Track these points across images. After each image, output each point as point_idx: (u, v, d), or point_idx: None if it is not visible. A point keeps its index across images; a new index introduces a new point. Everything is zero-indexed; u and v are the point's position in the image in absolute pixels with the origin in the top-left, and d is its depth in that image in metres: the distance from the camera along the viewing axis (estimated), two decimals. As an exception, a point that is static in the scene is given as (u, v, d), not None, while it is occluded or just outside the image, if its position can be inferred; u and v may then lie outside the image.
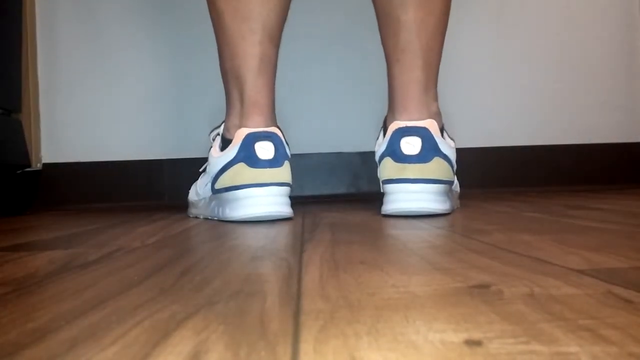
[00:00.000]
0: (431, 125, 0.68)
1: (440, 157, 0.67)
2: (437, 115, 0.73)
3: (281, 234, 0.55)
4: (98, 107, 1.20)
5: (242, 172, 0.67)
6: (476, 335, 0.20)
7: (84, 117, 1.20)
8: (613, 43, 1.25)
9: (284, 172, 0.68)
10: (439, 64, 0.75)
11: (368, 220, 0.67)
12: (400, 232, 0.53)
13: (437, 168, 0.67)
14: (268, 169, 0.67)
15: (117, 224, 0.73)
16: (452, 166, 0.70)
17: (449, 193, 0.71)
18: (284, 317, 0.24)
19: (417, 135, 0.67)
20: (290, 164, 0.71)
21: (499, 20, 1.23)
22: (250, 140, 0.67)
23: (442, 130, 0.73)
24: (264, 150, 0.67)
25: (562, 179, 1.22)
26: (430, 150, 0.66)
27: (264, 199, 0.67)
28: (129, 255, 0.43)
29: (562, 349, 0.18)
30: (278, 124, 0.75)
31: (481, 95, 1.23)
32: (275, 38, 0.74)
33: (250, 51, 0.72)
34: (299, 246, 0.45)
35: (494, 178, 1.22)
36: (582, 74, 1.24)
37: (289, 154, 0.71)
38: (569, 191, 1.16)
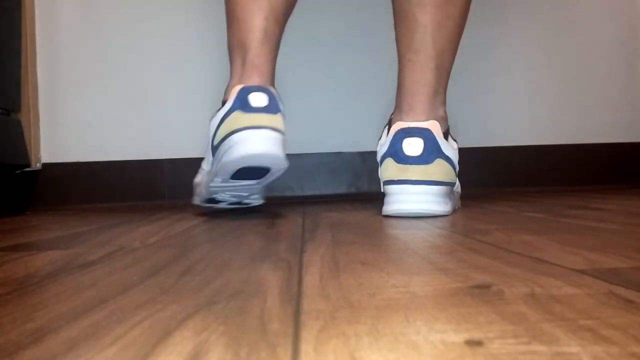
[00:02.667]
0: (433, 126, 0.67)
1: (442, 158, 0.67)
2: (443, 120, 0.73)
3: (281, 234, 0.55)
4: (98, 107, 1.20)
5: (238, 118, 0.68)
6: (477, 335, 0.20)
7: (84, 117, 1.20)
8: (613, 43, 1.24)
9: (277, 119, 0.69)
10: (450, 69, 0.74)
11: (368, 220, 0.67)
12: (401, 232, 0.53)
13: (438, 170, 0.67)
14: (262, 113, 0.68)
15: (117, 224, 0.73)
16: (454, 167, 0.70)
17: (450, 194, 0.71)
18: (284, 318, 0.23)
19: (419, 137, 0.66)
20: (284, 119, 0.71)
21: (499, 20, 1.23)
22: (244, 92, 0.69)
23: (446, 134, 0.72)
24: (258, 99, 0.68)
25: (562, 179, 1.22)
26: (432, 151, 0.66)
27: (258, 139, 0.67)
28: (129, 255, 0.43)
29: (563, 349, 0.18)
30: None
31: (481, 95, 1.23)
32: (279, 20, 0.76)
33: (256, 24, 0.74)
34: (300, 246, 0.45)
35: (494, 178, 1.22)
36: (582, 74, 1.24)
37: (282, 110, 0.71)
38: (569, 191, 1.16)
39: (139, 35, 1.20)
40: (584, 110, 1.24)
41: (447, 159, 0.68)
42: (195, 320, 0.24)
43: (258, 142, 0.67)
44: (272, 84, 0.75)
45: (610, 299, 0.25)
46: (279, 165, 0.70)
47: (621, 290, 0.26)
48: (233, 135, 0.68)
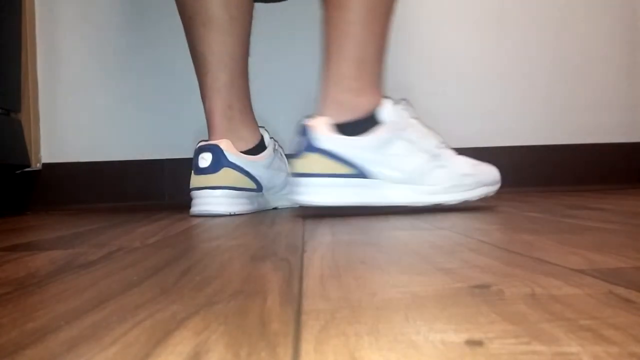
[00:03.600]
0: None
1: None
2: (340, 106, 0.74)
3: (281, 234, 0.55)
4: (98, 107, 1.20)
5: (192, 179, 0.86)
6: (477, 335, 0.20)
7: (84, 117, 1.20)
8: (613, 43, 1.25)
9: (216, 177, 0.84)
10: (359, 56, 0.74)
11: (368, 220, 0.67)
12: (401, 232, 0.53)
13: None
14: (204, 175, 0.84)
15: (117, 224, 0.73)
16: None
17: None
18: (284, 317, 0.23)
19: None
20: (237, 168, 0.85)
21: (499, 20, 1.23)
22: (196, 154, 0.86)
23: (359, 124, 0.74)
24: (204, 160, 0.85)
25: (562, 179, 1.22)
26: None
27: (202, 199, 0.84)
28: (129, 255, 0.43)
29: (564, 349, 0.18)
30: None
31: (481, 95, 1.23)
32: (222, 67, 0.88)
33: (201, 81, 0.90)
34: (300, 246, 0.45)
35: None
36: (582, 74, 1.24)
37: (233, 162, 0.85)
38: (569, 191, 1.16)
39: (138, 35, 1.20)
40: (584, 110, 1.24)
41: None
42: (195, 320, 0.24)
43: (199, 202, 0.85)
44: (230, 132, 0.88)
45: (610, 299, 0.25)
46: (221, 213, 0.84)
47: (621, 290, 0.26)
48: (191, 193, 0.86)
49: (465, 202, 0.77)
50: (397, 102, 0.75)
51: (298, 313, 0.24)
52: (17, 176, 1.14)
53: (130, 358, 0.19)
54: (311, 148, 0.73)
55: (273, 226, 0.63)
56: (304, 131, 0.74)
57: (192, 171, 0.85)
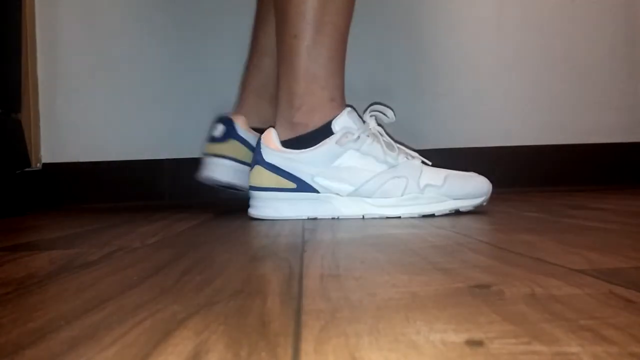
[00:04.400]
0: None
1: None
2: (290, 124, 0.74)
3: (282, 234, 0.55)
4: (98, 107, 1.20)
5: (206, 145, 0.89)
6: (477, 335, 0.20)
7: (84, 117, 1.20)
8: (613, 43, 1.25)
9: (223, 147, 0.87)
10: (309, 72, 0.73)
11: (369, 220, 0.67)
12: (401, 232, 0.53)
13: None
14: (214, 143, 0.88)
15: (118, 224, 0.73)
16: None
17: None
18: (284, 317, 0.23)
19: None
20: (244, 143, 0.87)
21: (499, 20, 1.23)
22: (213, 123, 0.90)
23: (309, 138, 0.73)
24: (217, 129, 0.88)
25: (562, 179, 1.22)
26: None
27: (208, 165, 0.88)
28: (129, 255, 0.43)
29: (564, 349, 0.18)
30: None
31: (481, 96, 1.23)
32: (270, 51, 0.90)
33: (249, 58, 0.95)
34: (300, 246, 0.45)
35: (494, 178, 1.22)
36: (582, 74, 1.24)
37: (242, 137, 0.87)
38: (569, 191, 1.16)
39: (138, 36, 1.20)
40: (584, 110, 1.24)
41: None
42: (195, 320, 0.24)
43: (205, 168, 0.87)
44: (252, 108, 0.92)
45: (610, 299, 0.25)
46: (222, 182, 0.86)
47: (621, 290, 0.26)
48: (202, 159, 0.89)
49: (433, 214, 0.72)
50: (353, 110, 0.73)
51: (298, 313, 0.24)
52: (17, 176, 1.14)
53: (130, 358, 0.19)
54: (260, 161, 0.73)
55: (273, 226, 0.63)
56: (258, 143, 0.74)
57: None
